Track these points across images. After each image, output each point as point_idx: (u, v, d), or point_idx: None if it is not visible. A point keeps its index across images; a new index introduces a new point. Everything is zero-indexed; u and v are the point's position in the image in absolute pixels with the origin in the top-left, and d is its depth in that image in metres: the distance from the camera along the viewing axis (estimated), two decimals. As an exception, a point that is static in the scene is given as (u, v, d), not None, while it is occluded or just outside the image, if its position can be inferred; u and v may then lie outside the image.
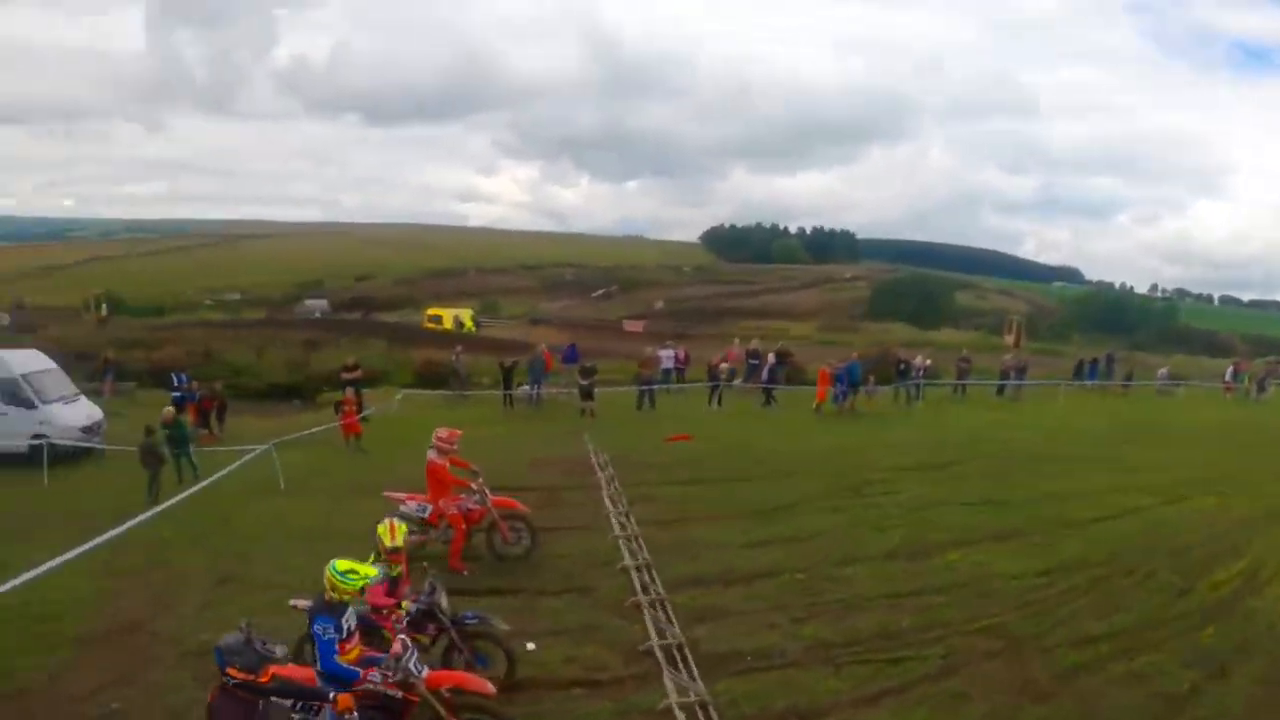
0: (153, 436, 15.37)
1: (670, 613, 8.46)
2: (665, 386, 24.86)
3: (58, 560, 9.42)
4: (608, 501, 12.04)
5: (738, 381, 25.01)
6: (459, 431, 10.52)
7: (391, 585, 7.16)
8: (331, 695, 5.36)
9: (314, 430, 18.83)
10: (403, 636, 6.22)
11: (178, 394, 20.80)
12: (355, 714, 5.31)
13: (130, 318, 54.72)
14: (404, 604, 7.02)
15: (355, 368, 22.42)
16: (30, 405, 18.13)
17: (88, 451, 17.50)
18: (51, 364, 19.98)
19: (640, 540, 10.54)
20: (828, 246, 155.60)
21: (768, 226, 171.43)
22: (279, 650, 5.23)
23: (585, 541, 10.29)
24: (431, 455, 10.16)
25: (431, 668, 6.36)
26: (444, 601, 7.13)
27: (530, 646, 7.90)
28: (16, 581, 8.74)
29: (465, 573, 9.78)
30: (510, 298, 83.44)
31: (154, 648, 7.73)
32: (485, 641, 7.32)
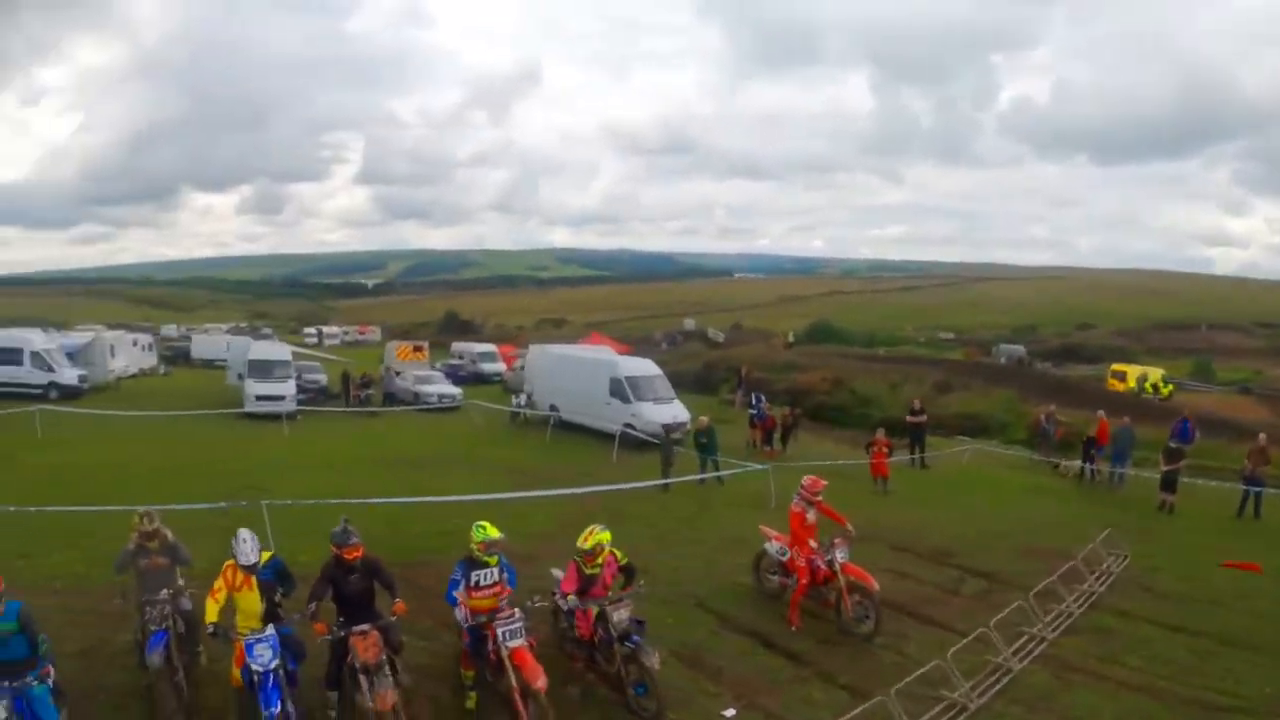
0: (669, 437, 19.07)
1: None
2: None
3: (514, 494, 14.14)
4: (1037, 619, 9.41)
5: None
6: (823, 481, 10.07)
7: (585, 583, 7.82)
8: (395, 598, 7.06)
9: (850, 462, 19.69)
10: (518, 609, 7.27)
11: (753, 412, 24.66)
12: (396, 619, 7.03)
13: (840, 345, 60.98)
14: (570, 596, 7.71)
15: (920, 412, 22.69)
16: (626, 400, 24.09)
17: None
18: (656, 371, 25.81)
19: (1001, 679, 8.19)
20: None
21: None
22: (354, 538, 6.96)
23: (940, 650, 8.19)
24: (793, 502, 10.02)
25: (534, 657, 7.01)
26: (616, 616, 7.47)
27: (730, 714, 7.52)
28: (485, 496, 13.38)
29: (795, 628, 9.50)
30: (1233, 359, 68.43)
31: (529, 580, 8.85)
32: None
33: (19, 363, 30.09)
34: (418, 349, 38.72)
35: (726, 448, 20.64)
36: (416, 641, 8.50)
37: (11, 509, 11.59)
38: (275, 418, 25.82)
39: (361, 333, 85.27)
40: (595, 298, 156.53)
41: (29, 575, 9.73)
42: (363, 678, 6.55)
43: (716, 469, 18.46)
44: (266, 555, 7.10)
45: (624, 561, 8.05)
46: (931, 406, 31.00)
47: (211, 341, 53.40)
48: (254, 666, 6.36)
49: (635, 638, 7.40)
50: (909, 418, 22.42)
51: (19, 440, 21.11)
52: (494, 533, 7.37)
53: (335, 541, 6.99)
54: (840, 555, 9.40)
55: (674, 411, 23.77)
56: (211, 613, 6.71)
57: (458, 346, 47.70)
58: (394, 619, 7.01)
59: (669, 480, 17.36)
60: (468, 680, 7.42)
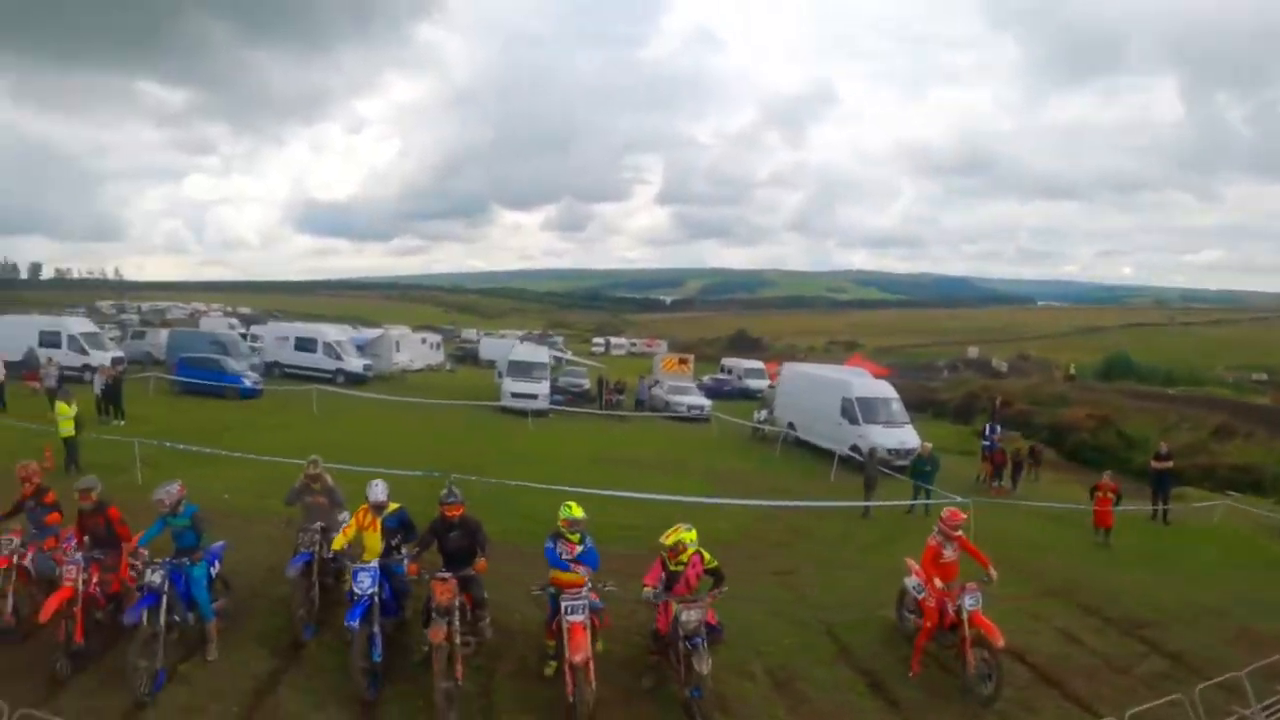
0: (873, 461, 18.48)
1: None
2: None
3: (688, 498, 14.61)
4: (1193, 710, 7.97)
5: None
6: (963, 515, 9.26)
7: (669, 579, 7.91)
8: (479, 555, 7.85)
9: (1082, 508, 17.67)
10: (601, 587, 7.86)
11: (986, 444, 23.35)
12: (480, 575, 7.91)
13: (1135, 383, 56.02)
14: (646, 589, 7.84)
15: (1166, 457, 19.63)
16: (855, 421, 23.66)
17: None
18: (891, 394, 25.13)
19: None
20: None
21: None
22: (453, 498, 7.97)
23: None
24: (931, 534, 9.23)
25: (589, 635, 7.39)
26: (685, 615, 7.49)
27: None
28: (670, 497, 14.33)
29: (913, 674, 8.74)
30: None
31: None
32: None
33: (313, 351, 35.59)
34: (683, 361, 40.08)
35: (956, 480, 19.68)
36: (531, 611, 9.03)
37: (250, 456, 14.82)
38: (524, 414, 28.08)
39: (649, 345, 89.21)
40: (888, 321, 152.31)
41: (258, 508, 12.18)
42: (435, 616, 7.37)
43: (926, 495, 17.64)
44: (394, 506, 8.50)
45: (712, 565, 7.98)
46: (1204, 455, 27.92)
47: (498, 345, 58.54)
48: (355, 590, 7.63)
49: (696, 639, 7.37)
50: (1153, 463, 19.59)
51: (297, 413, 25.25)
52: (578, 513, 7.94)
53: (440, 500, 8.04)
54: (969, 602, 8.39)
55: (901, 436, 23.05)
56: (338, 543, 8.31)
57: (727, 361, 49.11)
58: (473, 574, 7.82)
59: (870, 504, 16.92)
60: (549, 649, 7.91)
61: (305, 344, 36.03)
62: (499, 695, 7.66)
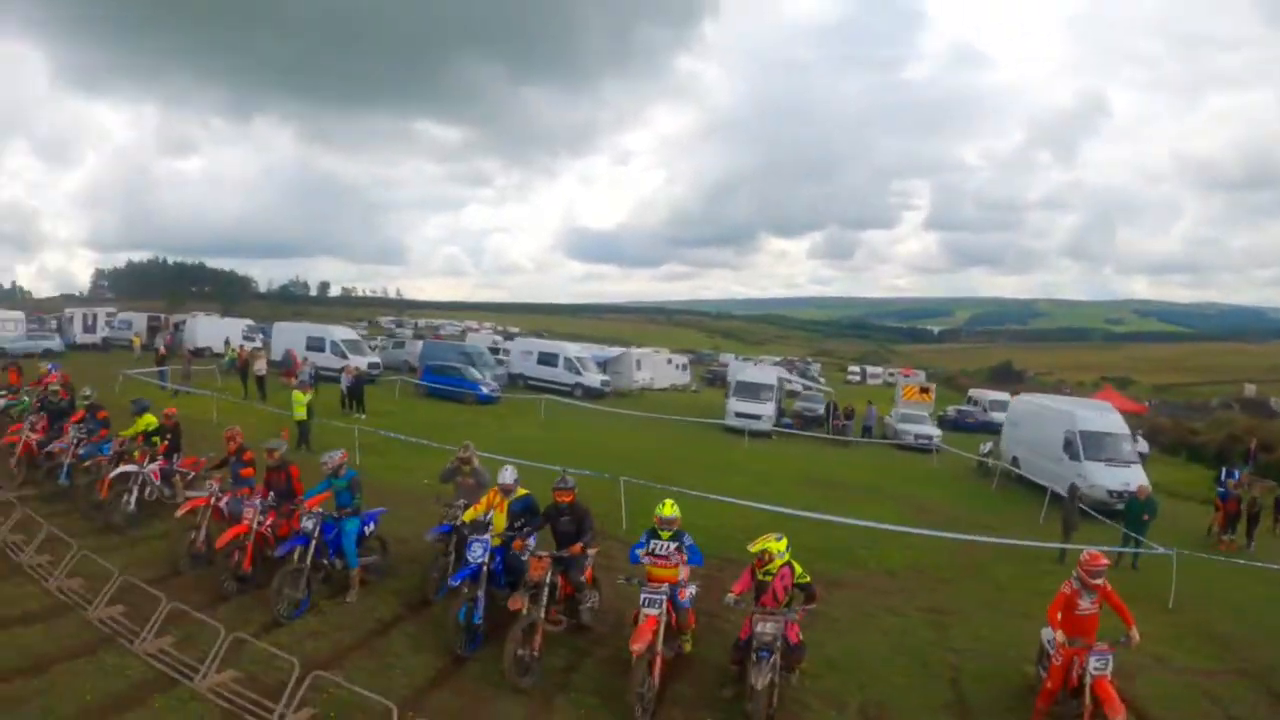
0: (1074, 499, 16.51)
1: None
2: None
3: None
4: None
5: None
6: (1104, 559, 7.92)
7: (758, 589, 7.84)
8: (581, 543, 8.46)
9: None
10: (689, 590, 8.10)
11: (1220, 490, 20.72)
12: (578, 560, 8.51)
13: None
14: (729, 595, 7.84)
15: None
16: (1076, 457, 21.68)
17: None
18: (1121, 430, 22.59)
19: None
20: None
21: None
22: (563, 485, 8.79)
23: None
24: (1068, 579, 8.18)
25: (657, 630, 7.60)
26: (759, 627, 7.42)
27: None
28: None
29: None
30: None
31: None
32: None
33: (555, 365, 38.25)
34: (924, 390, 38.87)
35: (1183, 530, 17.69)
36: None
37: (451, 448, 15.65)
38: (741, 433, 28.45)
39: (905, 374, 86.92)
40: (1168, 356, 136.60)
41: (432, 490, 12.80)
42: (523, 589, 8.04)
43: (1138, 543, 15.42)
44: (522, 492, 9.30)
45: (804, 579, 7.74)
46: None
47: (740, 368, 59.36)
48: (468, 556, 8.43)
49: (764, 652, 7.21)
50: None
51: (525, 419, 27.40)
52: (668, 511, 8.28)
53: (554, 487, 8.81)
54: (1095, 664, 7.28)
55: (1126, 477, 20.46)
56: (467, 515, 9.26)
57: (974, 393, 47.22)
58: (568, 556, 8.40)
59: (1068, 547, 14.87)
60: None
61: (547, 358, 38.80)
62: (580, 674, 8.04)
